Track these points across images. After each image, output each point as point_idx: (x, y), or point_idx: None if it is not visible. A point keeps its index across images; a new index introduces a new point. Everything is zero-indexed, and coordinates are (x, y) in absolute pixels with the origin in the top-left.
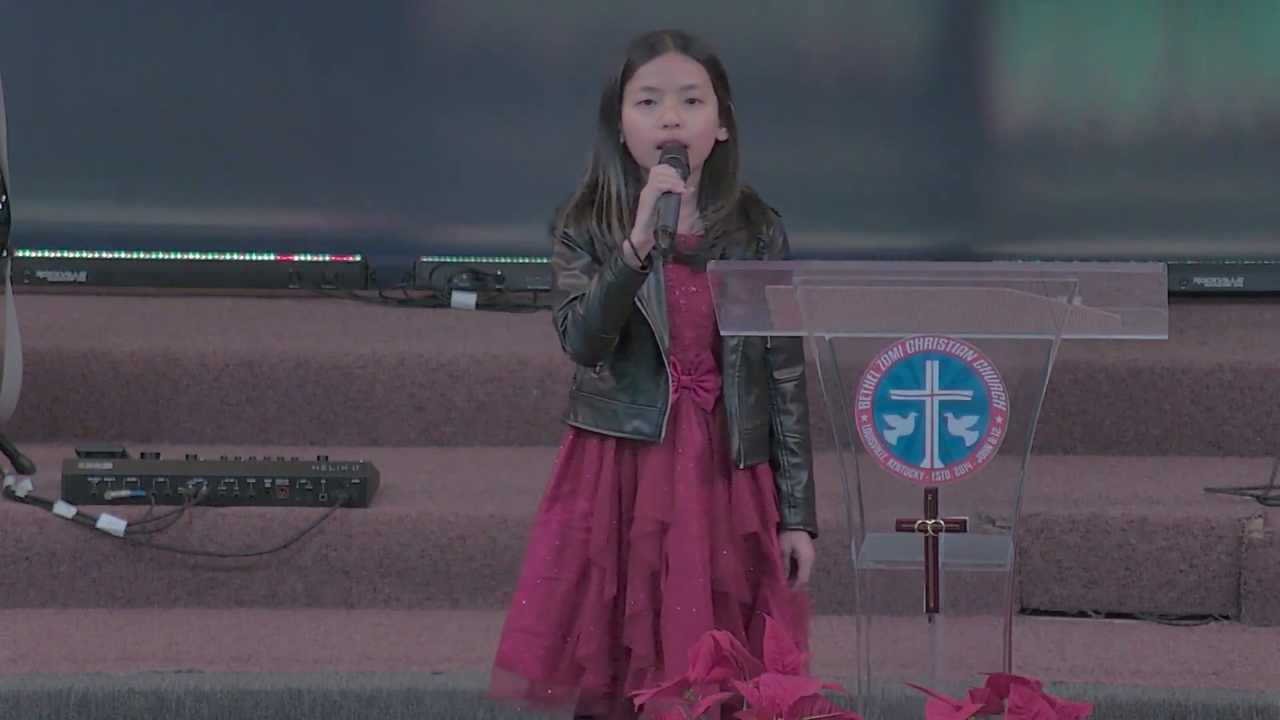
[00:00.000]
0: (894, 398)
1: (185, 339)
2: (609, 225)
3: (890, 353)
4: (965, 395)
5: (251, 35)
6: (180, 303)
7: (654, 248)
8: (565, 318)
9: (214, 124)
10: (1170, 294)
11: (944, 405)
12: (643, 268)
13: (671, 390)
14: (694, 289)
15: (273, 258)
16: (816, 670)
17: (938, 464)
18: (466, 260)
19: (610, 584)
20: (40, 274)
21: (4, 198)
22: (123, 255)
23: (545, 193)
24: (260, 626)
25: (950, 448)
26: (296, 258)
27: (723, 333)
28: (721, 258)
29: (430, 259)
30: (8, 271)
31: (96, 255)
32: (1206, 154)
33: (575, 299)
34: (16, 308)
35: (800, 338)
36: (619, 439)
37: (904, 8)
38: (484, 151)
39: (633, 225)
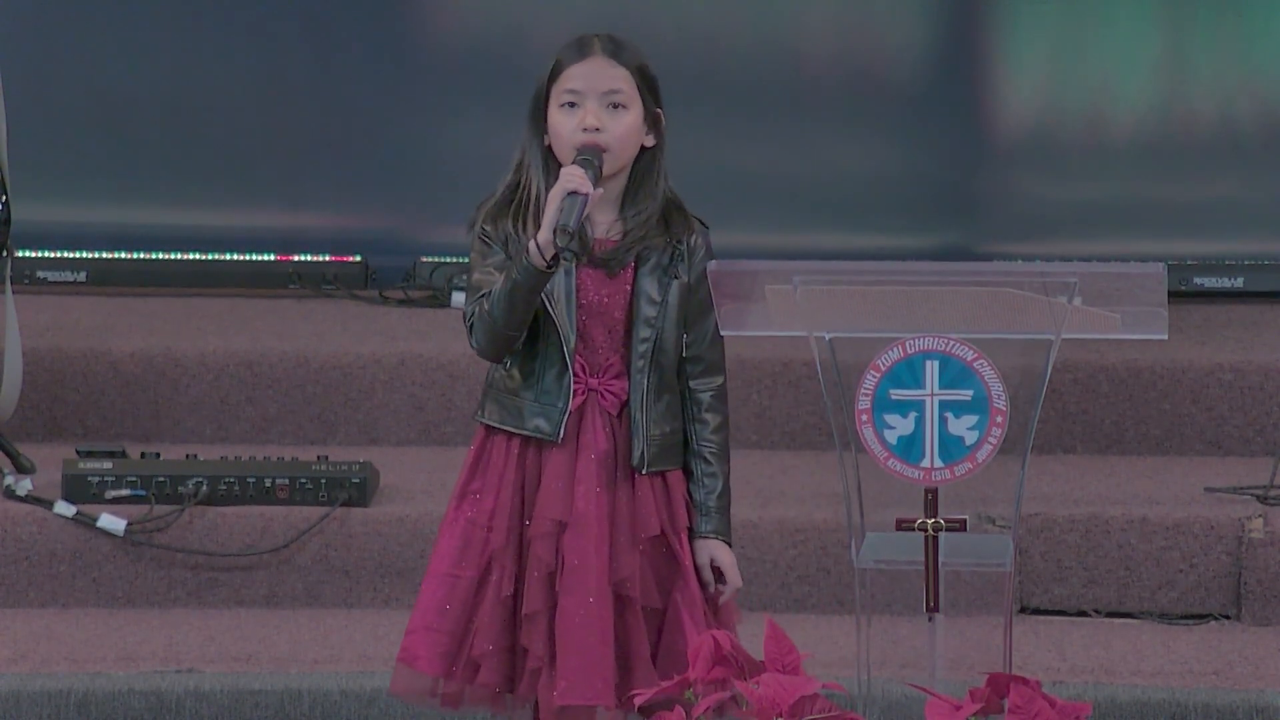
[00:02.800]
0: (894, 398)
1: (185, 339)
2: (524, 225)
3: (890, 353)
4: (965, 395)
5: (251, 35)
6: (180, 303)
7: (556, 247)
8: (473, 313)
9: (214, 124)
10: (1170, 294)
11: (944, 405)
12: (549, 267)
13: (575, 392)
14: (608, 292)
15: (273, 258)
16: (816, 670)
17: (938, 464)
18: (466, 260)
19: (508, 582)
20: (40, 274)
21: (4, 198)
22: (123, 255)
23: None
24: (260, 626)
25: (950, 447)
26: (296, 258)
27: (722, 333)
28: (636, 263)
29: (430, 259)
30: (8, 271)
31: (96, 255)
32: (1206, 154)
33: (484, 295)
34: (16, 308)
35: (721, 347)
36: (524, 437)
37: (904, 8)
38: (484, 151)
39: None
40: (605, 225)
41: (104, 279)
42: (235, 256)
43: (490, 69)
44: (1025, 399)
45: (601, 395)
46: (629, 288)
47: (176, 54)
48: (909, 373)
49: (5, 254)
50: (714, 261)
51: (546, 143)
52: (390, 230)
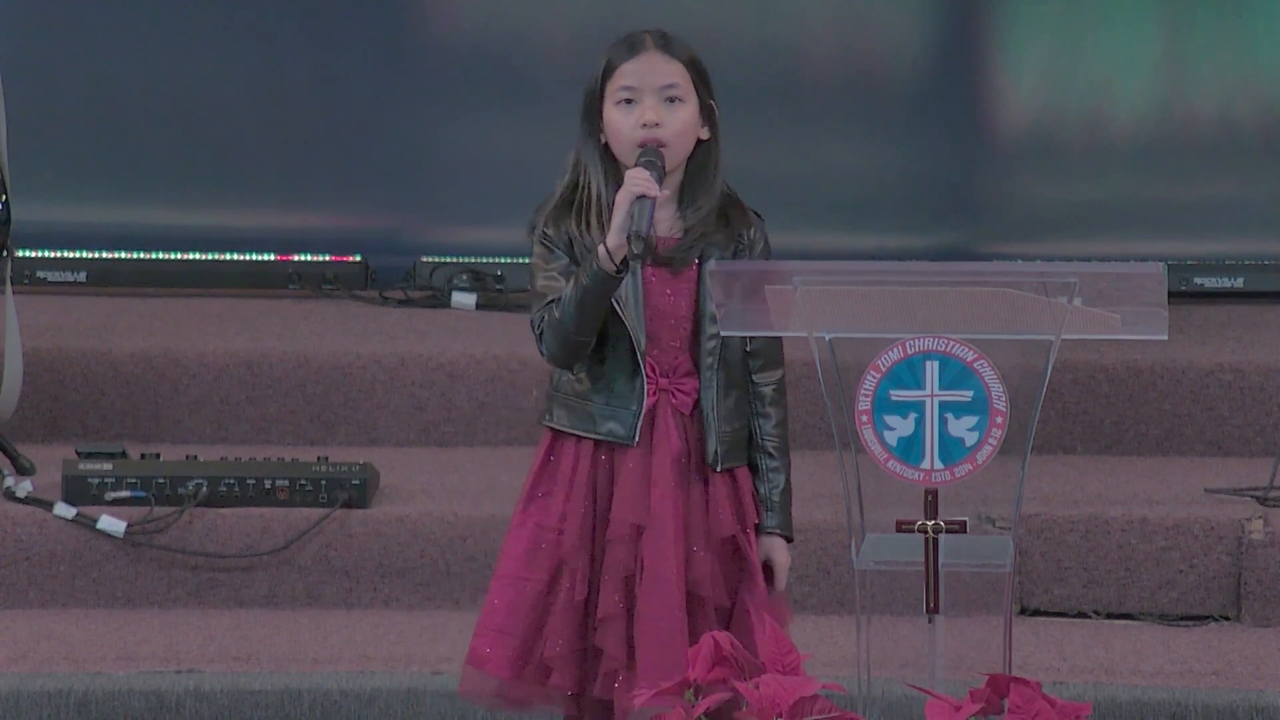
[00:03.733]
0: (894, 398)
1: (185, 339)
2: (588, 226)
3: (890, 353)
4: (965, 396)
5: (251, 35)
6: (180, 303)
7: (629, 253)
8: (542, 320)
9: (214, 124)
10: (1170, 294)
11: (944, 406)
12: (618, 271)
13: (647, 393)
14: (672, 291)
15: (273, 258)
16: (816, 670)
17: (938, 464)
18: (466, 260)
19: (581, 586)
20: (40, 274)
21: (4, 198)
22: (123, 255)
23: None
24: (260, 626)
25: (950, 448)
26: (296, 258)
27: (722, 333)
28: (700, 259)
29: (430, 259)
30: (8, 271)
31: (96, 255)
32: (1206, 154)
33: (552, 302)
34: (16, 308)
35: (780, 341)
36: (595, 441)
37: (904, 8)
38: (484, 151)
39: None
40: (666, 223)
41: (104, 279)
42: (235, 256)
43: (490, 69)
44: (1025, 399)
45: (673, 395)
46: (694, 285)
47: (176, 54)
48: (909, 373)
49: (5, 254)
50: (713, 262)
51: (602, 141)
52: (390, 230)
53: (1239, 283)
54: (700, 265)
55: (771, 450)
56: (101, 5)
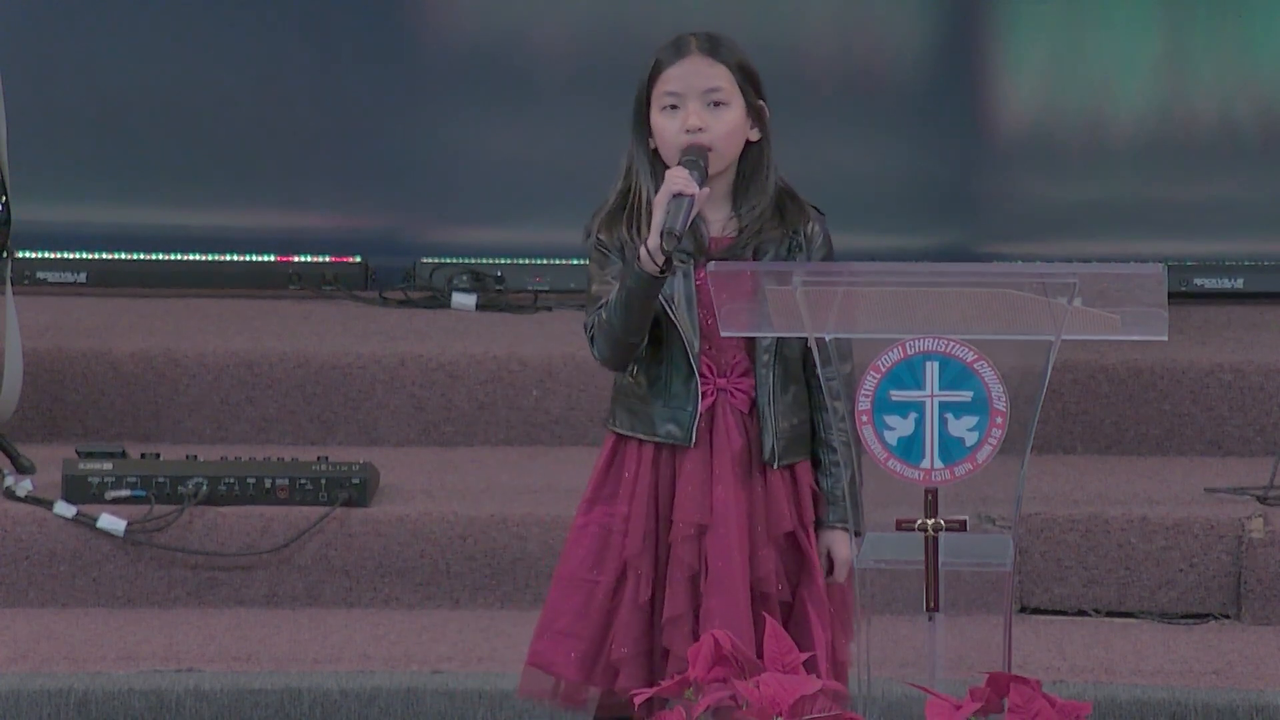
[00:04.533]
0: (894, 398)
1: (185, 339)
2: (639, 231)
3: (890, 353)
4: (965, 396)
5: (251, 35)
6: (180, 303)
7: (673, 250)
8: (593, 323)
9: (214, 124)
10: (1170, 294)
11: (944, 406)
12: (661, 272)
13: (704, 393)
14: None
15: (273, 258)
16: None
17: (938, 464)
18: (466, 260)
19: (645, 587)
20: (40, 274)
21: (4, 198)
22: (123, 255)
23: (545, 193)
24: (260, 626)
25: (950, 448)
26: (296, 258)
27: (722, 334)
28: (755, 257)
29: (430, 259)
30: (8, 272)
31: (96, 255)
32: (1206, 154)
33: (603, 305)
34: (16, 308)
35: None
36: (656, 443)
37: (904, 8)
38: (484, 151)
39: None
40: (720, 223)
41: (104, 279)
42: (235, 256)
43: (490, 69)
44: (1025, 400)
45: (731, 394)
46: None
47: (176, 54)
48: (909, 374)
49: (5, 254)
50: (713, 262)
51: (652, 146)
52: (390, 230)
53: (1239, 283)
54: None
55: (835, 444)
56: (101, 5)
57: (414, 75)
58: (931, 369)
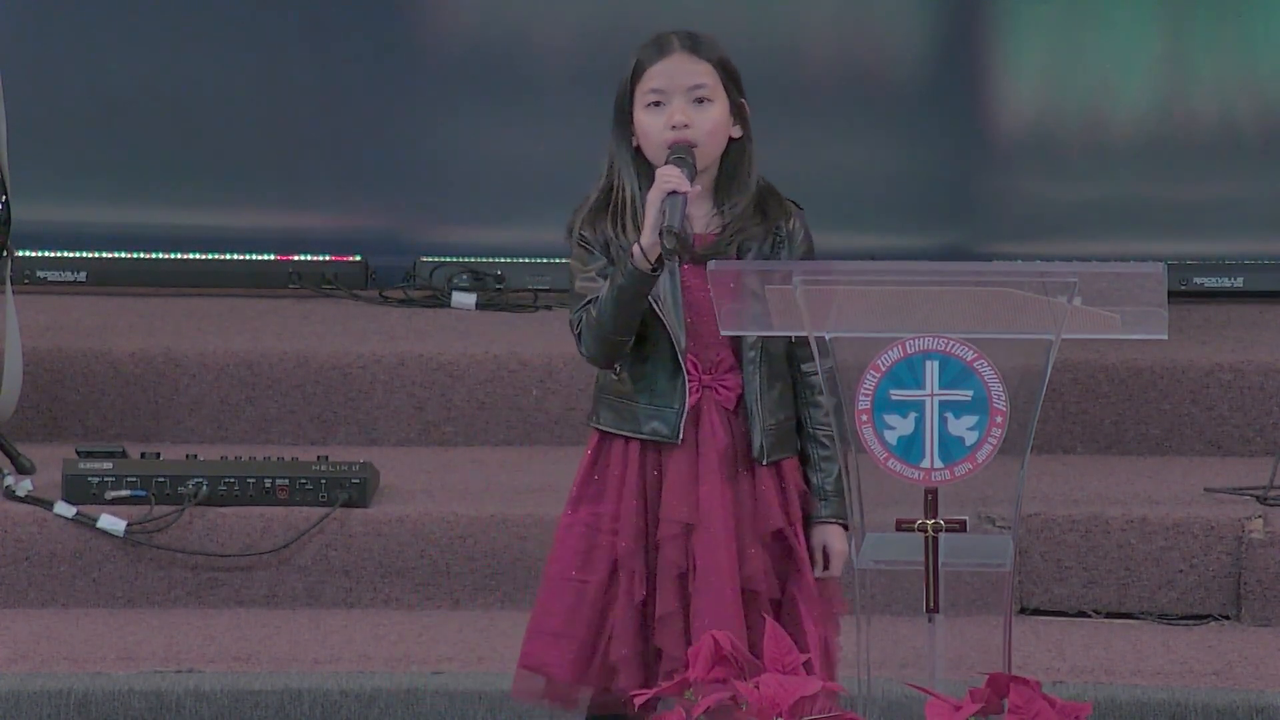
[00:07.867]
0: (894, 398)
1: (185, 339)
2: (624, 228)
3: (890, 353)
4: (965, 395)
5: (251, 35)
6: (180, 303)
7: (663, 249)
8: (580, 321)
9: (214, 124)
10: (1170, 294)
11: (944, 405)
12: (653, 270)
13: (690, 391)
14: None
15: (273, 258)
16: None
17: (938, 464)
18: (466, 260)
19: (639, 586)
20: (40, 274)
21: (4, 198)
22: (123, 255)
23: (545, 193)
24: (260, 626)
25: (950, 448)
26: (296, 258)
27: (722, 333)
28: (738, 254)
29: (430, 259)
30: (8, 271)
31: (96, 255)
32: (1206, 154)
33: (590, 302)
34: (16, 308)
35: None
36: (642, 440)
37: (904, 8)
38: (484, 151)
39: None
40: (702, 220)
41: (104, 279)
42: (235, 256)
43: (490, 69)
44: (1025, 399)
45: (716, 391)
46: None
47: (176, 54)
48: (909, 373)
49: (5, 254)
50: (713, 261)
51: (634, 144)
52: (390, 230)
53: (1239, 283)
54: (738, 259)
55: (823, 439)
56: (101, 5)
57: (414, 75)
58: (931, 368)
